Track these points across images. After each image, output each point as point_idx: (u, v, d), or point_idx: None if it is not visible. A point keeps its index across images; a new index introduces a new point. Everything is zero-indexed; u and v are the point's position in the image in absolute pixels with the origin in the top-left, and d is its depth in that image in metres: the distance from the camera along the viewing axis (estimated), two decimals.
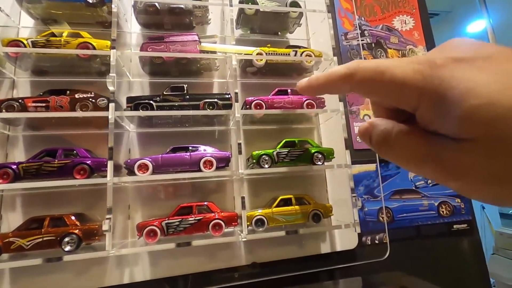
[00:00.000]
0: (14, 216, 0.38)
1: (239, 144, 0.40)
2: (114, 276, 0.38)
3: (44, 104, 0.36)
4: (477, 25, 3.56)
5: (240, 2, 0.44)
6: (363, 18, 0.57)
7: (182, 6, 0.42)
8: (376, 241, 0.48)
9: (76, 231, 0.34)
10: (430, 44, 0.59)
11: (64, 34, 0.39)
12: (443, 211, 0.53)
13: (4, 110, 0.36)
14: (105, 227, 0.32)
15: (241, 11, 0.44)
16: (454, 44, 0.14)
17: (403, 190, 0.52)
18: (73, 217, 0.35)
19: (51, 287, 0.37)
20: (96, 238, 0.35)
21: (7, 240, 0.33)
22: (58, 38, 0.38)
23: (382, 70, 0.14)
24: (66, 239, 0.33)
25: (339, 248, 0.45)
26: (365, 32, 0.56)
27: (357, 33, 0.55)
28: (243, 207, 0.38)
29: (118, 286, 0.38)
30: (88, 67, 0.41)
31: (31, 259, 0.32)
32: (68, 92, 0.38)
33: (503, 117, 0.11)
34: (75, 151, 0.37)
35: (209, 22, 0.47)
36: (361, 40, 0.55)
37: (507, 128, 0.11)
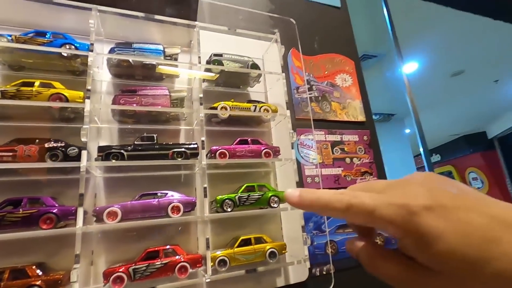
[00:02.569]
0: None
1: (205, 188, 0.44)
2: None
3: (11, 154, 0.36)
4: (409, 66, 4.13)
5: (207, 62, 0.50)
6: (311, 75, 0.67)
7: (154, 62, 0.47)
8: (324, 272, 0.54)
9: (39, 283, 0.34)
10: (364, 98, 0.72)
11: (36, 84, 0.40)
12: (377, 241, 0.62)
13: None
14: (73, 277, 0.33)
15: (207, 70, 0.50)
16: (417, 187, 0.19)
17: (345, 225, 0.61)
18: (34, 267, 0.35)
19: None
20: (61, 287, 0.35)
21: None
22: (29, 88, 0.39)
23: (371, 209, 0.18)
24: None
25: (292, 281, 0.51)
26: (313, 87, 0.66)
27: (306, 88, 0.65)
28: (208, 247, 0.41)
29: None
30: (58, 115, 0.42)
31: None
32: (37, 141, 0.38)
33: (461, 259, 0.15)
34: (41, 200, 0.37)
35: (178, 75, 0.51)
36: (310, 94, 0.65)
37: (464, 267, 0.15)
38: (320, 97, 0.66)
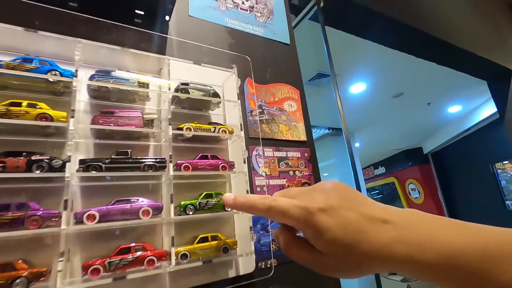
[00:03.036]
0: None
1: (171, 195, 0.53)
2: None
3: (1, 165, 0.42)
4: (358, 87, 4.55)
5: (175, 91, 0.60)
6: (263, 101, 0.80)
7: (130, 89, 0.55)
8: (268, 265, 0.66)
9: (25, 274, 0.40)
10: (306, 122, 0.87)
11: (24, 104, 0.46)
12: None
13: None
14: (59, 267, 0.40)
15: (175, 97, 0.60)
16: (319, 193, 0.26)
17: None
18: (21, 261, 0.41)
19: None
20: (43, 279, 0.41)
21: None
22: (18, 108, 0.45)
23: (285, 210, 0.25)
24: (17, 281, 0.39)
25: (241, 272, 0.61)
26: (264, 111, 0.79)
27: (258, 112, 0.77)
28: (172, 244, 0.50)
29: None
30: (41, 131, 0.49)
31: None
32: (24, 153, 0.44)
33: (341, 244, 0.23)
34: (26, 204, 0.43)
35: (149, 99, 0.60)
36: (261, 117, 0.78)
37: (343, 249, 0.23)
38: (270, 120, 0.79)
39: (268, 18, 0.91)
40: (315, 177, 0.82)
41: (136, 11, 0.67)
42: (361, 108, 5.59)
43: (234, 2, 0.85)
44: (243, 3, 0.87)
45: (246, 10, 0.87)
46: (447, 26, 1.75)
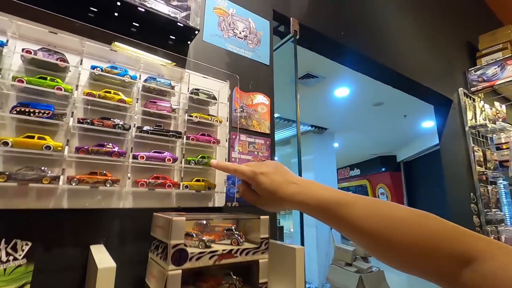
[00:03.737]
0: None
1: (183, 153, 0.94)
2: None
3: (101, 123, 0.81)
4: (342, 91, 5.07)
5: (190, 93, 1.00)
6: (244, 103, 1.22)
7: (165, 89, 0.95)
8: (231, 205, 1.09)
9: (111, 178, 0.81)
10: (272, 121, 1.29)
11: (112, 93, 0.86)
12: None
13: None
14: (127, 177, 0.81)
15: (190, 96, 1.00)
16: (264, 165, 0.50)
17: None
18: (107, 172, 0.81)
19: None
20: (118, 183, 0.82)
21: None
22: (109, 95, 0.85)
23: (244, 172, 0.50)
24: (108, 181, 0.80)
25: (216, 204, 1.04)
26: (244, 110, 1.21)
27: (240, 111, 1.19)
28: (181, 180, 0.92)
29: None
30: (117, 108, 0.88)
31: None
32: (111, 119, 0.84)
33: (269, 191, 0.47)
34: (111, 144, 0.83)
35: (175, 96, 1.01)
36: (241, 114, 1.19)
37: (271, 193, 0.47)
38: (247, 117, 1.21)
39: (256, 45, 1.31)
40: (271, 157, 1.25)
41: (171, 36, 1.06)
42: (343, 111, 6.05)
43: (234, 32, 1.25)
44: (240, 33, 1.27)
45: (242, 39, 1.27)
46: (406, 62, 2.20)
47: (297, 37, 1.43)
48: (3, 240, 0.68)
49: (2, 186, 0.67)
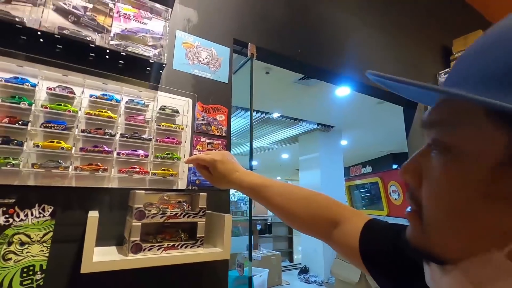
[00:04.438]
0: None
1: (152, 151, 1.37)
2: None
3: (96, 132, 1.26)
4: (343, 90, 5.39)
5: (160, 109, 1.43)
6: (205, 113, 1.63)
7: (142, 107, 1.39)
8: (192, 188, 1.51)
9: (103, 167, 1.25)
10: (228, 127, 1.69)
11: (104, 111, 1.30)
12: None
13: None
14: (113, 165, 1.25)
15: (159, 111, 1.43)
16: (219, 154, 0.81)
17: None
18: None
19: None
20: (107, 170, 1.26)
21: None
22: (101, 113, 1.29)
23: (204, 159, 0.81)
24: (101, 168, 1.24)
25: (180, 187, 1.46)
26: (204, 119, 1.62)
27: (201, 119, 1.60)
28: (151, 169, 1.35)
29: None
30: (106, 123, 1.32)
31: None
32: (102, 129, 1.28)
33: (221, 173, 0.78)
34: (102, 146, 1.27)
35: (148, 111, 1.44)
36: (202, 122, 1.61)
37: (223, 175, 0.77)
38: (207, 123, 1.62)
39: (217, 68, 1.72)
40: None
41: (147, 68, 1.49)
42: (348, 109, 6.27)
43: (198, 60, 1.66)
44: (203, 60, 1.68)
45: (205, 64, 1.68)
46: (374, 69, 2.48)
47: (254, 59, 1.82)
48: (37, 204, 1.14)
49: (37, 171, 1.13)
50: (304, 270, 6.01)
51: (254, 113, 5.71)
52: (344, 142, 8.48)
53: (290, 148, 8.83)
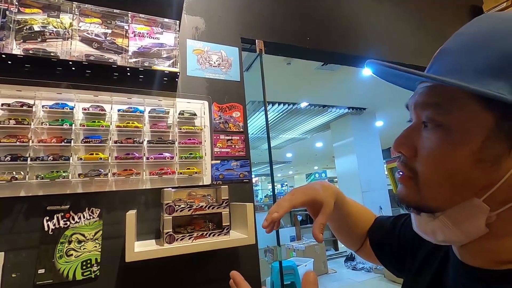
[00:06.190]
0: None
1: (177, 152, 1.51)
2: None
3: (125, 143, 1.43)
4: (368, 70, 5.20)
5: (179, 114, 1.57)
6: (222, 113, 1.74)
7: (164, 114, 1.54)
8: (216, 183, 1.63)
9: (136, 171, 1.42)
10: (245, 123, 1.78)
11: (129, 122, 1.47)
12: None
13: None
14: (143, 168, 1.41)
15: (179, 115, 1.57)
16: (316, 190, 0.59)
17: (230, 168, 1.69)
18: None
19: None
20: (139, 175, 1.43)
21: None
22: (127, 124, 1.46)
23: (302, 202, 0.58)
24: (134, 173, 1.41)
25: (205, 182, 1.59)
26: (221, 118, 1.73)
27: (218, 118, 1.72)
28: (177, 169, 1.50)
29: None
30: (133, 133, 1.50)
31: None
32: (131, 139, 1.45)
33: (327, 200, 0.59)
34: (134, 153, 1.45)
35: (169, 117, 1.59)
36: (220, 120, 1.72)
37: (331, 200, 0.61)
38: (224, 122, 1.73)
39: (228, 68, 1.82)
40: (246, 148, 1.75)
41: (164, 78, 1.63)
42: (378, 89, 6.05)
43: (210, 64, 1.78)
44: (214, 63, 1.79)
45: (216, 66, 1.79)
46: (391, 46, 2.39)
47: (263, 54, 1.89)
48: (86, 208, 1.34)
49: (83, 180, 1.33)
50: (350, 258, 5.94)
51: (281, 106, 5.74)
52: (379, 123, 8.09)
53: (323, 136, 8.69)
